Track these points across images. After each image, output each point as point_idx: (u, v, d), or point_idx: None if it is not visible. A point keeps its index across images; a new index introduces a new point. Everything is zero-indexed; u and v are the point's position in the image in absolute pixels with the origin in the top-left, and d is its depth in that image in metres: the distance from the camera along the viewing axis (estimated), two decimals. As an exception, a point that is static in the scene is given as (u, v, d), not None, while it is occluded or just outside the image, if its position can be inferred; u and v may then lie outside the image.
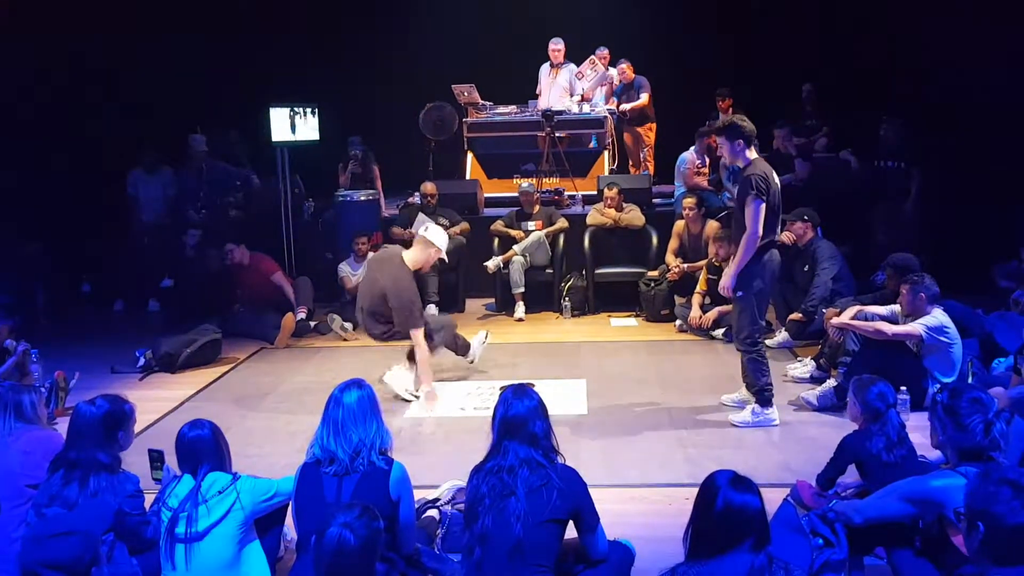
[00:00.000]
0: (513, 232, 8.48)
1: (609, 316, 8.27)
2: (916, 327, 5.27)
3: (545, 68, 10.25)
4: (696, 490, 2.60)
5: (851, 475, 4.04)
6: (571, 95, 10.14)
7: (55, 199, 9.03)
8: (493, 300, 8.64)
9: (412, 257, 5.85)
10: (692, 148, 9.31)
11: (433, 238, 5.87)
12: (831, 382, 5.69)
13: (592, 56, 10.36)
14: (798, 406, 5.62)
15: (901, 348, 5.37)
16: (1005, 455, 3.19)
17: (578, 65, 10.26)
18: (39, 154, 9.29)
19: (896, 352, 5.34)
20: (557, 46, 10.06)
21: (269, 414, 5.91)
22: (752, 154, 5.11)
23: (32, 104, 9.23)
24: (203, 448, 3.30)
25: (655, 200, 9.48)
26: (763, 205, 4.93)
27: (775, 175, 5.11)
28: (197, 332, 7.09)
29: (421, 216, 8.51)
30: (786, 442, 5.10)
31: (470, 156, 10.19)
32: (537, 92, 10.28)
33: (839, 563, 3.15)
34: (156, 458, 3.79)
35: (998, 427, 3.09)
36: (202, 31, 10.28)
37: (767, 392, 5.30)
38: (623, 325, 8.03)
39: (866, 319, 5.64)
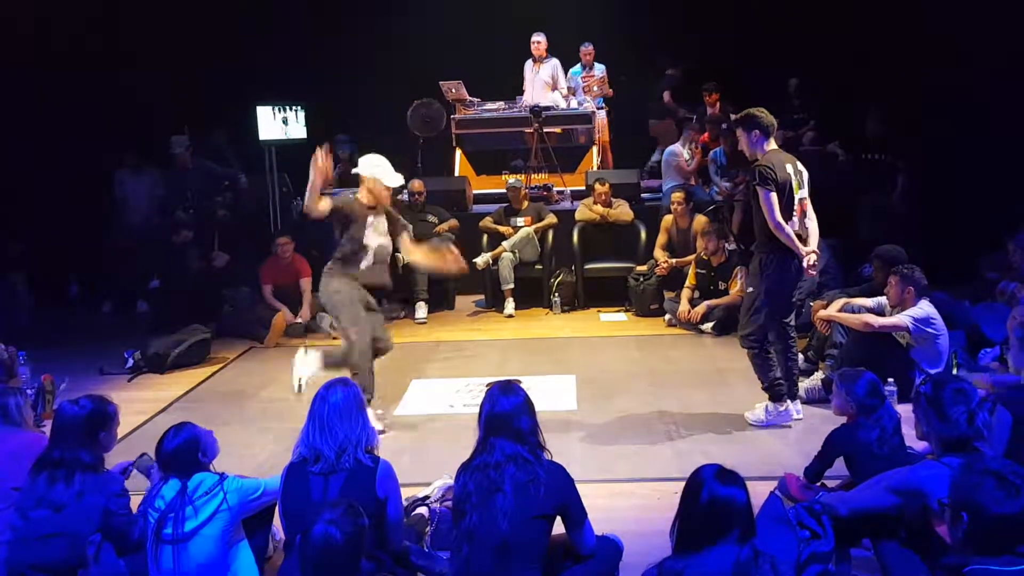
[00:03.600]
0: (502, 228, 8.48)
1: (598, 311, 8.28)
2: (903, 319, 5.29)
3: (529, 63, 10.24)
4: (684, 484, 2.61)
5: (839, 467, 4.06)
6: (554, 89, 10.14)
7: (41, 199, 9.01)
8: (483, 296, 8.64)
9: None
10: (678, 142, 9.35)
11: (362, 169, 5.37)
12: (819, 375, 5.71)
13: (601, 76, 10.32)
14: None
15: (888, 340, 5.39)
16: (990, 445, 3.21)
17: (563, 62, 10.24)
18: (26, 155, 9.25)
19: (883, 344, 5.36)
20: (539, 40, 10.04)
21: (258, 414, 5.89)
22: (770, 146, 4.94)
23: (20, 106, 9.19)
24: (185, 454, 3.29)
25: (643, 195, 9.50)
26: (773, 194, 4.77)
27: (796, 165, 4.94)
28: (186, 332, 7.07)
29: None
30: (774, 435, 5.11)
31: (458, 153, 10.18)
32: (523, 88, 10.27)
33: (826, 555, 3.17)
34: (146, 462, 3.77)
35: (981, 417, 3.12)
36: (190, 30, 10.23)
37: (778, 388, 5.13)
38: (612, 320, 8.04)
39: (853, 311, 5.66)
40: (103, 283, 9.16)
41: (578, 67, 10.47)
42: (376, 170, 5.32)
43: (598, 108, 10.27)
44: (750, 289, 5.07)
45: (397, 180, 5.44)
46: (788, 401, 5.17)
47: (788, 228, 4.81)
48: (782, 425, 5.15)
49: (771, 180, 4.78)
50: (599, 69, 10.40)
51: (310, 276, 8.09)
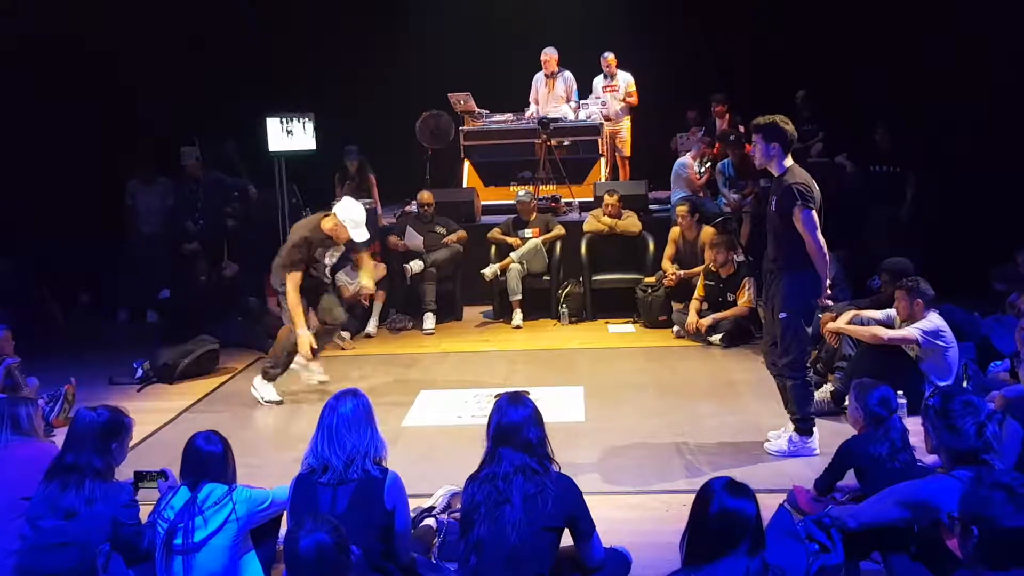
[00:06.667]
0: (510, 239, 8.49)
1: (606, 323, 8.27)
2: (912, 331, 5.27)
3: (540, 77, 10.22)
4: (693, 496, 2.61)
5: (848, 479, 4.04)
6: (568, 103, 10.14)
7: (51, 209, 9.05)
8: (491, 308, 8.65)
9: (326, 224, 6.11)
10: (688, 154, 9.36)
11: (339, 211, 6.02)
12: (827, 387, 5.68)
13: (626, 86, 10.07)
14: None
15: (898, 352, 5.36)
16: (1000, 458, 3.19)
17: (573, 72, 10.25)
18: (36, 162, 9.31)
19: (893, 356, 5.33)
20: (547, 57, 10.01)
21: (266, 424, 5.92)
22: (788, 161, 4.68)
23: (29, 113, 9.25)
24: (213, 463, 3.31)
25: (651, 206, 9.50)
26: (814, 214, 4.52)
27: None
28: (195, 342, 7.10)
29: (409, 230, 8.51)
30: (783, 447, 5.10)
31: (467, 164, 10.20)
32: (533, 99, 10.27)
33: (835, 568, 3.16)
34: (150, 476, 3.77)
35: (991, 429, 3.10)
36: (199, 40, 10.30)
37: (810, 423, 4.88)
38: (620, 332, 8.03)
39: (862, 323, 5.64)
40: (114, 292, 9.20)
41: (600, 77, 10.27)
42: (348, 222, 5.97)
43: (614, 117, 10.18)
44: (783, 315, 4.78)
45: (362, 236, 6.03)
46: (815, 434, 4.93)
47: (825, 250, 4.62)
48: (803, 456, 4.89)
49: (811, 199, 4.57)
50: (623, 78, 10.16)
51: None
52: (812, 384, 4.96)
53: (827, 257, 4.67)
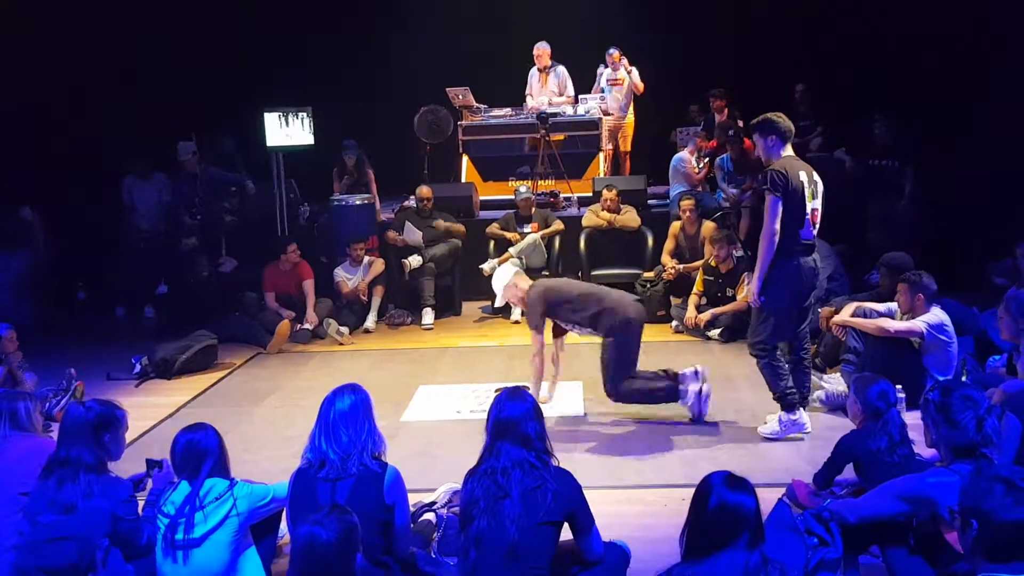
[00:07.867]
0: (509, 234, 8.48)
1: (605, 318, 8.24)
2: (918, 324, 5.25)
3: (534, 73, 10.22)
4: (692, 491, 2.61)
5: (846, 473, 4.04)
6: (561, 95, 10.12)
7: (49, 205, 9.05)
8: (489, 303, 8.62)
9: None
10: (686, 149, 9.36)
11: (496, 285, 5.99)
12: (839, 379, 5.67)
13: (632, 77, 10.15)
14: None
15: (904, 345, 5.34)
16: (999, 452, 3.20)
17: (572, 66, 10.22)
18: (34, 161, 9.30)
19: (899, 349, 5.31)
20: (539, 52, 9.99)
21: (265, 419, 5.91)
22: (786, 152, 4.85)
23: (27, 110, 9.24)
24: (203, 451, 3.30)
25: (650, 201, 9.49)
26: (779, 201, 4.69)
27: (812, 175, 4.84)
28: (192, 338, 7.10)
29: (408, 225, 8.51)
30: (782, 442, 5.10)
31: (465, 159, 10.19)
32: (529, 94, 10.26)
33: (834, 562, 3.16)
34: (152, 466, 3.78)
35: (990, 423, 3.10)
36: (197, 36, 10.28)
37: (790, 396, 4.99)
38: (619, 326, 8.01)
39: (865, 316, 5.63)
40: (112, 289, 9.19)
41: (608, 69, 10.24)
42: (511, 279, 5.84)
43: (616, 112, 10.16)
44: (761, 298, 4.96)
45: (525, 282, 5.85)
46: (801, 410, 5.05)
47: (775, 241, 4.75)
48: (797, 436, 5.02)
49: (780, 186, 4.71)
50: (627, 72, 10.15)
51: (312, 279, 8.09)
52: (780, 362, 5.03)
53: (772, 247, 4.77)
